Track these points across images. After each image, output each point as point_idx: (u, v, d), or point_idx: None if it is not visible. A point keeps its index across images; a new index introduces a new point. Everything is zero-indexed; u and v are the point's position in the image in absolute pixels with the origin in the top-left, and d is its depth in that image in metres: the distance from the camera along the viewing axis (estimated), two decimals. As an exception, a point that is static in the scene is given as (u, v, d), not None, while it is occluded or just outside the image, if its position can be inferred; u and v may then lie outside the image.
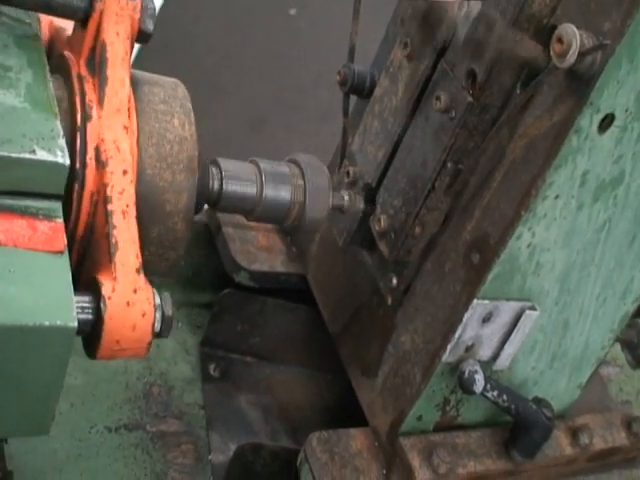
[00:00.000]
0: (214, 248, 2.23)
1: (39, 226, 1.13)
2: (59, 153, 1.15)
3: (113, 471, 1.90)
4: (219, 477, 1.96)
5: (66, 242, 1.13)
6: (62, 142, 1.16)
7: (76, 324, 1.06)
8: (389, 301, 1.79)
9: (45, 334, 1.05)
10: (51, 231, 1.13)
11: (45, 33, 1.45)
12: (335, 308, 2.05)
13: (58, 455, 1.86)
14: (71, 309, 1.07)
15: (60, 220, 1.15)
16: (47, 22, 1.46)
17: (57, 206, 1.16)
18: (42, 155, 1.13)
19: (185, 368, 2.19)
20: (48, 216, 1.15)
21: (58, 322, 1.05)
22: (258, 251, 2.22)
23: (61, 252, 1.12)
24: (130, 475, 1.91)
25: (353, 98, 1.96)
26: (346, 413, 2.02)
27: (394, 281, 1.77)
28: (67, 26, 1.45)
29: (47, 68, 1.28)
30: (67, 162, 1.14)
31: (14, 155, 1.11)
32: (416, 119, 1.68)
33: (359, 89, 1.92)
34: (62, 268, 1.11)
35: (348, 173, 1.83)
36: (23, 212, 1.13)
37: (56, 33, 1.46)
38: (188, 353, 2.22)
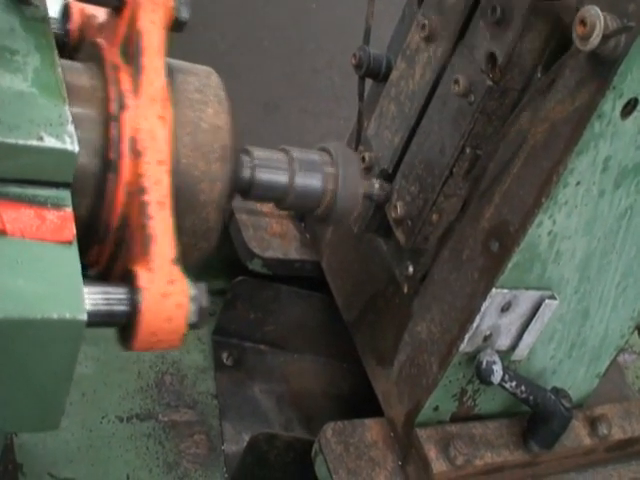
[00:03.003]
0: (227, 235, 2.21)
1: (47, 215, 1.10)
2: (67, 140, 1.11)
3: (125, 461, 1.88)
4: (232, 467, 1.94)
5: (75, 232, 1.10)
6: (71, 128, 1.13)
7: (86, 316, 1.03)
8: (405, 289, 1.76)
9: (54, 327, 1.02)
10: (60, 220, 1.10)
11: (76, 20, 1.43)
12: (350, 296, 2.02)
13: (69, 446, 1.84)
14: (81, 301, 1.04)
15: (69, 209, 1.12)
16: (78, 9, 1.44)
17: (66, 194, 1.13)
18: (50, 142, 1.10)
19: (198, 357, 2.17)
20: (57, 205, 1.11)
21: (67, 315, 1.02)
22: (272, 238, 2.19)
23: (70, 242, 1.09)
24: (142, 466, 1.89)
25: (368, 82, 1.92)
26: (361, 402, 2.00)
27: (410, 269, 1.74)
28: (98, 13, 1.44)
29: (56, 52, 1.25)
30: (76, 149, 1.11)
31: (21, 142, 1.08)
32: (434, 103, 1.64)
33: (375, 72, 1.89)
34: (71, 259, 1.08)
35: (364, 159, 1.80)
36: (31, 201, 1.10)
37: (87, 20, 1.43)
38: (201, 341, 2.20)
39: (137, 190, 1.21)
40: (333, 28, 4.66)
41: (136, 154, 1.22)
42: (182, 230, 1.30)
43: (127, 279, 1.17)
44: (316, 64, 4.53)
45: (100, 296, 1.12)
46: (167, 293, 1.16)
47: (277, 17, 4.61)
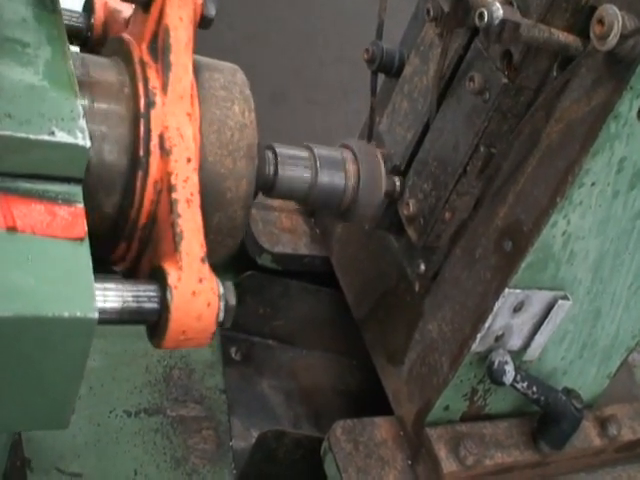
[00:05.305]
0: (236, 229, 2.19)
1: (58, 211, 1.09)
2: (79, 135, 1.10)
3: (132, 457, 1.87)
4: (240, 463, 1.93)
5: (87, 228, 1.09)
6: (82, 123, 1.12)
7: (97, 315, 1.02)
8: (417, 287, 1.75)
9: (64, 325, 1.01)
10: (71, 217, 1.09)
11: (100, 15, 1.44)
12: (360, 292, 2.01)
13: (77, 440, 1.82)
14: (92, 299, 1.03)
15: (80, 205, 1.11)
16: (102, 3, 1.44)
17: (77, 190, 1.12)
18: (61, 137, 1.09)
19: (206, 351, 2.15)
20: (68, 201, 1.10)
21: (78, 313, 1.01)
22: (281, 233, 2.18)
23: (81, 239, 1.08)
24: (150, 461, 1.88)
25: (380, 77, 1.91)
26: (370, 398, 1.99)
27: (422, 267, 1.73)
28: (122, 7, 1.44)
29: (67, 44, 1.24)
30: (87, 144, 1.10)
31: (32, 137, 1.07)
32: (448, 100, 1.62)
33: (387, 68, 1.87)
34: (83, 256, 1.07)
35: (376, 155, 1.78)
36: (41, 196, 1.09)
37: (111, 15, 1.44)
38: (209, 336, 2.19)
39: (166, 188, 1.21)
40: (341, 21, 4.64)
41: (165, 152, 1.22)
42: (209, 228, 1.30)
43: (157, 277, 1.17)
44: (324, 57, 4.52)
45: (130, 293, 1.13)
46: (197, 291, 1.17)
47: (285, 9, 4.59)
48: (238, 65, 1.45)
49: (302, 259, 2.18)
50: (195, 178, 1.23)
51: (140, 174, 1.22)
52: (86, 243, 1.08)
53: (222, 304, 1.19)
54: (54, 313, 1.00)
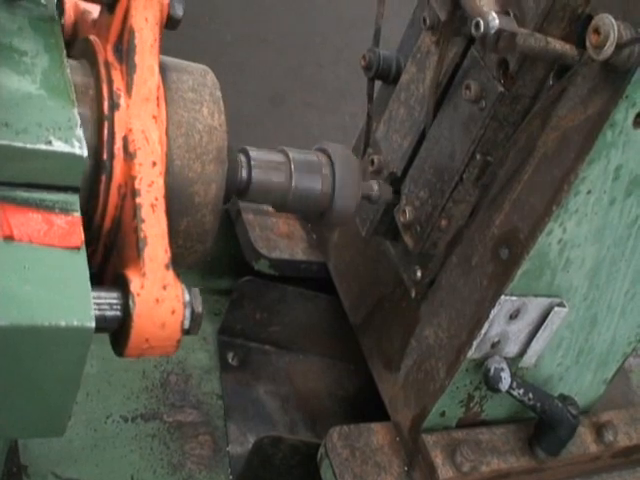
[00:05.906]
0: (233, 234, 2.20)
1: (55, 220, 1.08)
2: (76, 144, 1.10)
3: (129, 462, 1.87)
4: (237, 469, 1.93)
5: (83, 237, 1.09)
6: (79, 132, 1.11)
7: (94, 324, 1.02)
8: (413, 294, 1.75)
9: (61, 335, 1.01)
10: (68, 225, 1.09)
11: (70, 15, 1.41)
12: (356, 298, 2.01)
13: (73, 445, 1.82)
14: (89, 308, 1.03)
15: (77, 214, 1.10)
16: (72, 4, 1.41)
17: (74, 199, 1.12)
18: (58, 146, 1.08)
19: (203, 356, 2.16)
20: (65, 210, 1.10)
21: (75, 322, 1.01)
22: (278, 238, 2.18)
23: (78, 248, 1.07)
24: (146, 466, 1.88)
25: (377, 83, 1.91)
26: (367, 403, 1.99)
27: (418, 274, 1.73)
28: (92, 9, 1.41)
29: (64, 53, 1.23)
30: (85, 153, 1.10)
31: (29, 146, 1.07)
32: (444, 108, 1.63)
33: (384, 74, 1.87)
34: (79, 265, 1.06)
35: (372, 161, 1.79)
36: (38, 205, 1.08)
37: (81, 16, 1.40)
38: (206, 341, 2.19)
39: (130, 192, 1.18)
40: (339, 22, 4.65)
41: (129, 155, 1.19)
42: (176, 233, 1.28)
43: (119, 284, 1.14)
44: (322, 59, 4.52)
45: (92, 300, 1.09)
46: (160, 299, 1.13)
47: (283, 10, 4.59)
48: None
49: (299, 265, 2.18)
50: (160, 182, 1.19)
51: (104, 178, 1.19)
52: (83, 252, 1.07)
53: (188, 311, 1.15)
54: (51, 322, 0.99)
